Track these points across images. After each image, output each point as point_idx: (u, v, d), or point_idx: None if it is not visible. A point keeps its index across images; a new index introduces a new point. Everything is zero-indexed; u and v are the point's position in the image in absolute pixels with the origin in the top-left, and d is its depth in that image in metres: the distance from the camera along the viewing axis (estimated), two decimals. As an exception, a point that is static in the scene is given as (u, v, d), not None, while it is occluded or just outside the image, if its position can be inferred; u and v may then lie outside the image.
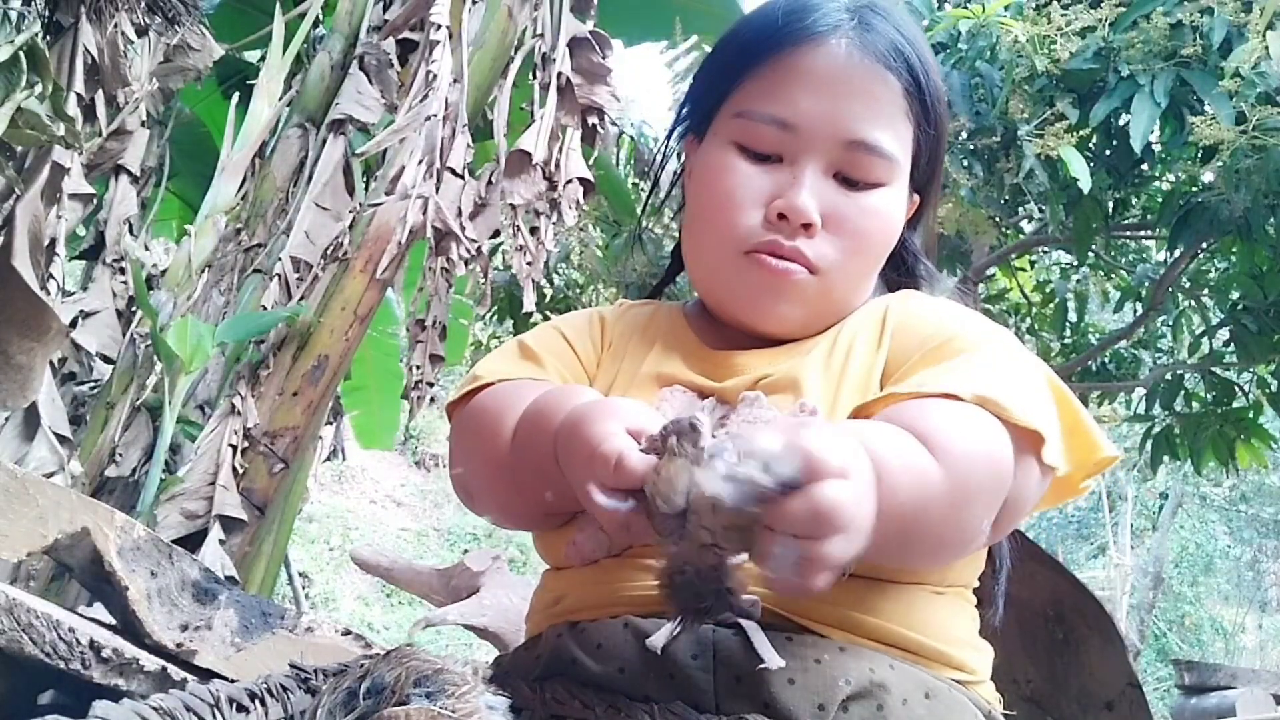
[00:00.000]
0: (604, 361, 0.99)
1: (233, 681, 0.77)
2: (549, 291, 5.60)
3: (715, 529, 0.62)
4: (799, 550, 0.61)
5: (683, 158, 1.05)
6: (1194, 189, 4.67)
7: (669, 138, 1.07)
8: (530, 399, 0.86)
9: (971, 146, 4.39)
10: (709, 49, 1.04)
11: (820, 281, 0.90)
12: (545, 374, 0.94)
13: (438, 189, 2.65)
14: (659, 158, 1.09)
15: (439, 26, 2.69)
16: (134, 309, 2.88)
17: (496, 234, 2.98)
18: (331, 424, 3.67)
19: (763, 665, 0.70)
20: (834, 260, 0.90)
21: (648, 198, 1.16)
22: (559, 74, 2.87)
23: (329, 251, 2.62)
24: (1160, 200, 5.02)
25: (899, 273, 1.02)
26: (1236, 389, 5.54)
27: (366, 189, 2.79)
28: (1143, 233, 5.68)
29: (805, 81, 0.90)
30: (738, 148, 0.92)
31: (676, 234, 1.11)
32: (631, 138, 5.11)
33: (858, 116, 0.90)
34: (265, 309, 2.55)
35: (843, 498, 0.62)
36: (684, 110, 1.03)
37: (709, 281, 0.97)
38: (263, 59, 3.02)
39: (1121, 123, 4.28)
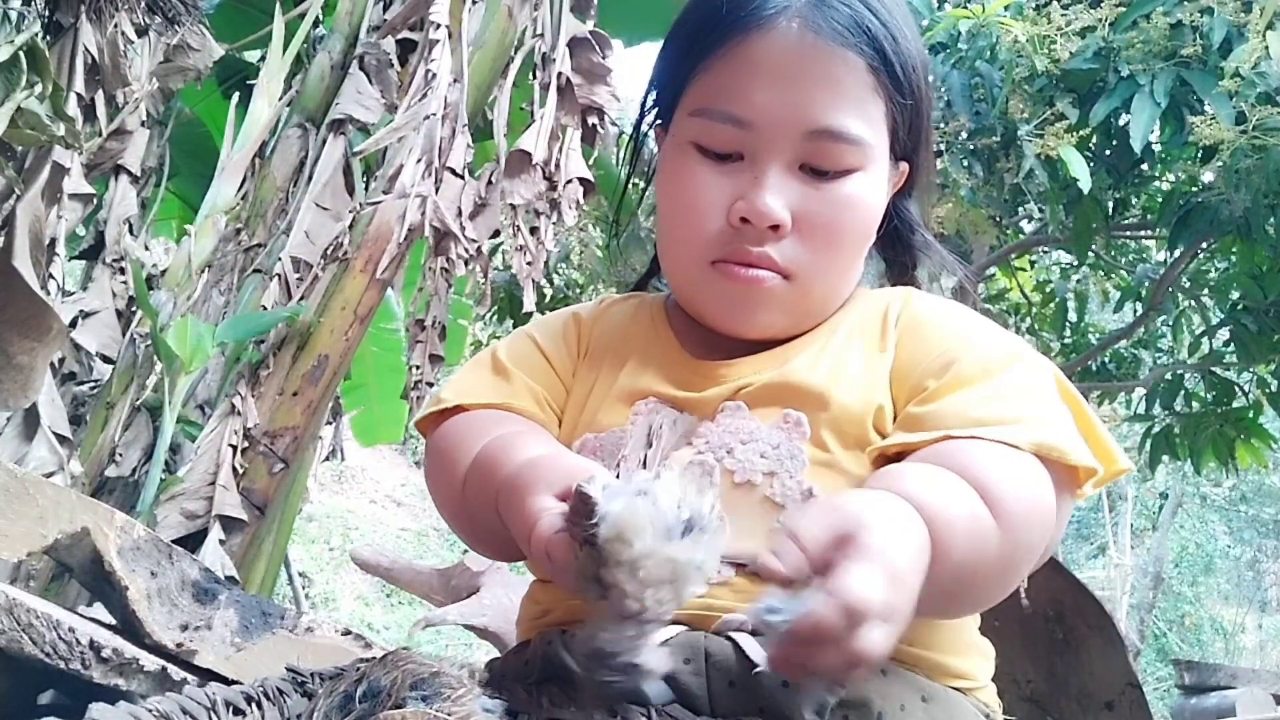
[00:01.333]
0: (580, 370, 0.95)
1: (230, 684, 0.77)
2: (549, 291, 5.61)
3: (639, 598, 0.61)
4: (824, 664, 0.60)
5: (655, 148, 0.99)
6: (1194, 189, 4.68)
7: (637, 131, 1.01)
8: (484, 441, 0.84)
9: (971, 146, 4.39)
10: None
11: (796, 286, 0.86)
12: (513, 393, 0.91)
13: (437, 189, 2.65)
14: (629, 153, 1.04)
15: (439, 26, 2.69)
16: (134, 309, 2.87)
17: (496, 234, 2.98)
18: (331, 424, 3.67)
19: (758, 670, 0.69)
20: (807, 261, 0.85)
21: (620, 195, 1.09)
22: (559, 74, 2.87)
23: (329, 251, 2.62)
24: (1160, 200, 5.03)
25: (894, 245, 0.98)
26: (1236, 389, 5.55)
27: (366, 189, 2.79)
28: (1143, 233, 5.69)
29: (757, 72, 0.84)
30: (696, 149, 0.87)
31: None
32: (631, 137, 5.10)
33: (818, 104, 0.83)
34: (265, 309, 2.55)
35: (872, 595, 0.59)
36: (647, 101, 0.98)
37: (682, 291, 0.93)
38: (263, 59, 3.02)
39: (1121, 123, 4.28)
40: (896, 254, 0.99)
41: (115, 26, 2.59)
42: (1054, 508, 0.75)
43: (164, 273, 2.91)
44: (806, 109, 0.84)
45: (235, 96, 2.98)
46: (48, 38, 2.47)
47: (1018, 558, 0.74)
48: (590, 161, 2.99)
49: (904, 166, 0.93)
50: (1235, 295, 5.26)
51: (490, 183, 2.83)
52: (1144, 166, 4.78)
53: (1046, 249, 6.08)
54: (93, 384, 2.93)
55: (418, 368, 2.92)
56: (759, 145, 0.85)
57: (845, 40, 0.84)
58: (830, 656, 0.59)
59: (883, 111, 0.86)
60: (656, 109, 0.96)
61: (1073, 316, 6.00)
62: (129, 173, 2.96)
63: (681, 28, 0.91)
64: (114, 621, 1.35)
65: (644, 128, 1.00)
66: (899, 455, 0.79)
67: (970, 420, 0.76)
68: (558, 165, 2.87)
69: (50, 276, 2.55)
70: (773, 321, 0.88)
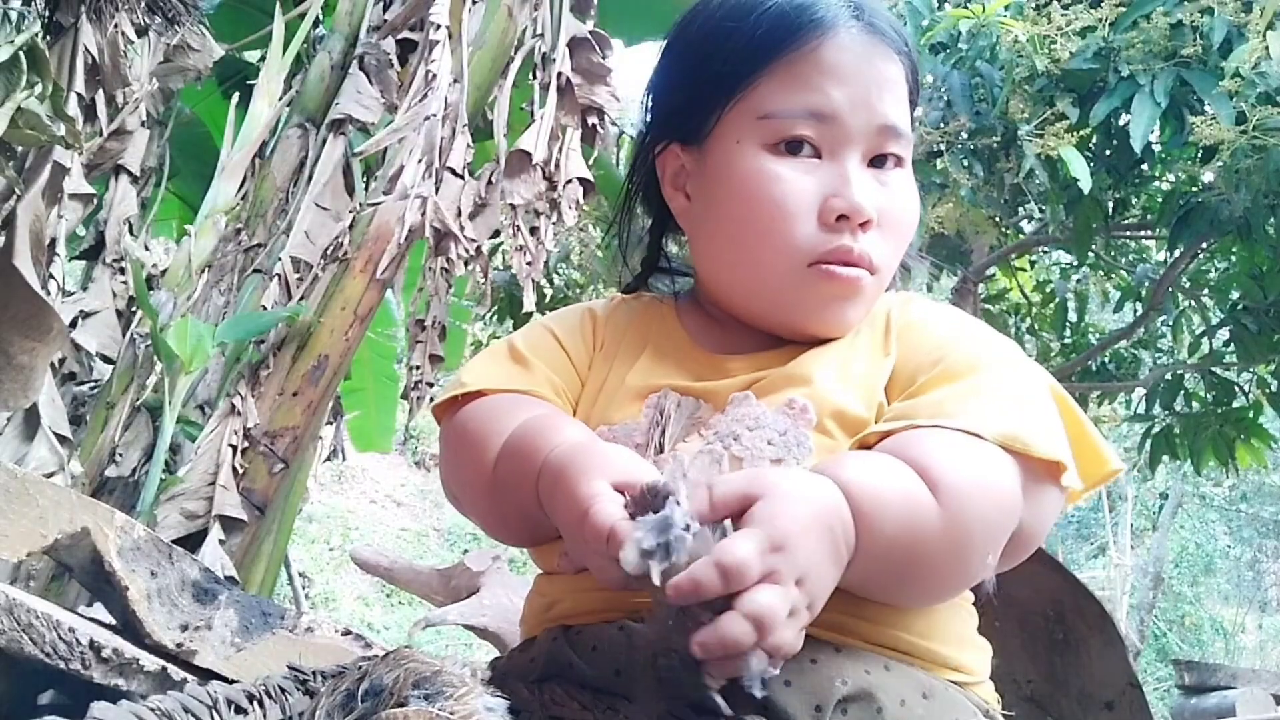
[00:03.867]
0: (595, 363, 0.96)
1: (231, 683, 0.77)
2: (549, 291, 5.61)
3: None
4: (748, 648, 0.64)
5: (658, 165, 0.97)
6: (1194, 189, 4.68)
7: (643, 143, 0.99)
8: (514, 424, 0.85)
9: (971, 146, 4.39)
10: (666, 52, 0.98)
11: (877, 281, 0.90)
12: (533, 380, 0.92)
13: (437, 189, 2.65)
14: (634, 170, 1.02)
15: (439, 26, 2.69)
16: (134, 309, 2.87)
17: (496, 234, 2.98)
18: (331, 424, 3.66)
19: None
20: (886, 256, 0.89)
21: (621, 206, 1.05)
22: (559, 74, 2.87)
23: (329, 251, 2.62)
24: (1160, 200, 5.03)
25: None
26: (1236, 389, 5.55)
27: (366, 189, 2.79)
28: (1143, 233, 5.69)
29: (832, 72, 0.88)
30: (769, 150, 0.88)
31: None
32: (631, 138, 5.11)
33: (885, 100, 0.89)
34: (265, 309, 2.55)
35: (765, 606, 0.63)
36: (660, 117, 0.97)
37: (762, 296, 0.91)
38: (263, 59, 3.02)
39: (1121, 123, 4.29)
40: None
41: (115, 26, 2.59)
42: (1012, 494, 0.76)
43: (164, 273, 2.90)
44: (878, 104, 0.89)
45: (235, 96, 2.97)
46: (48, 38, 2.46)
47: (968, 540, 0.75)
48: (590, 161, 2.99)
49: None
50: (1235, 295, 5.27)
51: (490, 183, 2.83)
52: (1144, 166, 4.79)
53: (1046, 249, 6.09)
54: (93, 384, 2.92)
55: (417, 368, 2.92)
56: (838, 139, 0.88)
57: (896, 45, 0.91)
58: (729, 626, 0.63)
59: (909, 114, 0.93)
60: (679, 123, 0.95)
61: (1073, 316, 6.00)
62: (129, 173, 2.96)
63: (726, 39, 0.91)
64: (114, 621, 1.35)
65: (656, 149, 0.97)
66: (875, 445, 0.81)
67: (942, 412, 0.79)
68: (558, 165, 2.87)
69: (50, 276, 2.55)
70: (856, 316, 0.91)
